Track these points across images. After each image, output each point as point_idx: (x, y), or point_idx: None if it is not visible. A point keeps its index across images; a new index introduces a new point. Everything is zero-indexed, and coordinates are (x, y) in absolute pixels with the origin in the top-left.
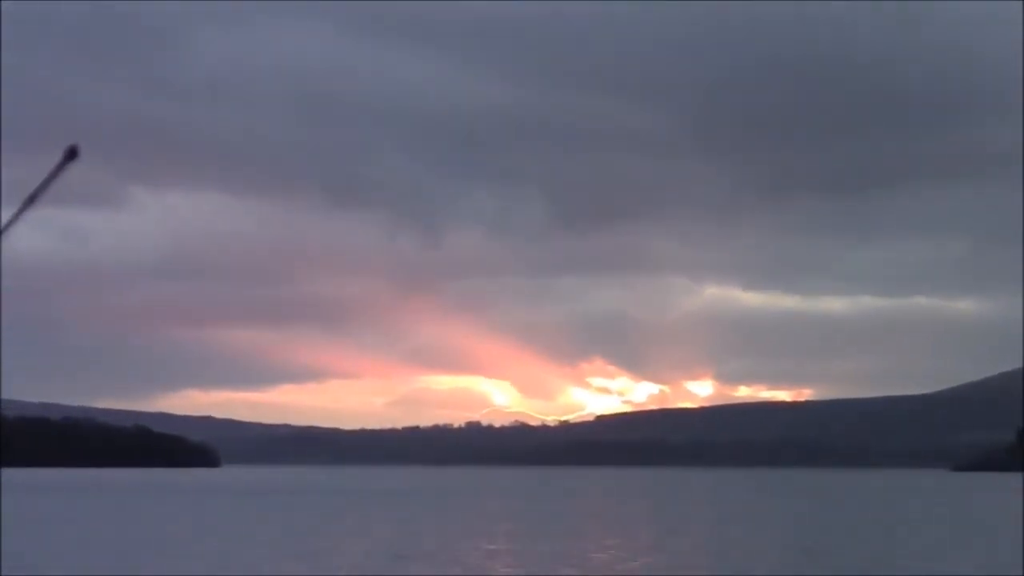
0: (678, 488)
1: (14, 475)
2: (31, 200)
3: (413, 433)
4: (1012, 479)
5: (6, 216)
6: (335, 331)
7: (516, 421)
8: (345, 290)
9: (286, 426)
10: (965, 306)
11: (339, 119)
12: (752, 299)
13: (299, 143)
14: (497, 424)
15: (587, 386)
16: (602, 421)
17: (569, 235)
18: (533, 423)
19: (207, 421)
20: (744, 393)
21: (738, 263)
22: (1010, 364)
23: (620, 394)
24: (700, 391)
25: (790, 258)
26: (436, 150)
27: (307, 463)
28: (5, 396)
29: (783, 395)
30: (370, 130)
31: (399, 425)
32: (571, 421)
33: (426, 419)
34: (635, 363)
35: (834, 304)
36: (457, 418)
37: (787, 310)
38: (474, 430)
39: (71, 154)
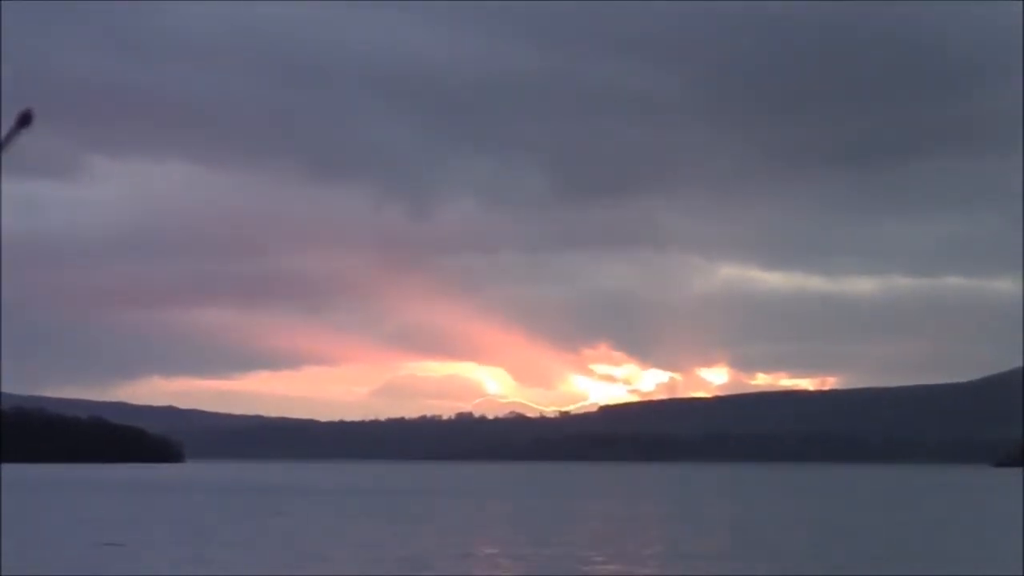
0: (689, 486)
1: None
2: None
3: (398, 425)
4: None
5: None
6: (312, 313)
7: (512, 412)
8: (324, 267)
9: (257, 417)
10: (1004, 286)
11: (319, 82)
12: (771, 279)
13: (275, 108)
14: (491, 415)
15: (590, 374)
16: (606, 412)
17: (571, 207)
18: (530, 414)
19: (170, 412)
20: (763, 381)
21: (756, 239)
22: None
23: (626, 382)
24: (714, 379)
25: (813, 234)
26: (425, 115)
27: (280, 458)
28: None
29: (805, 384)
30: (353, 94)
31: (382, 416)
32: (572, 412)
33: (412, 410)
34: (643, 348)
35: (861, 284)
36: (447, 409)
37: (810, 291)
38: (465, 422)
39: (24, 120)
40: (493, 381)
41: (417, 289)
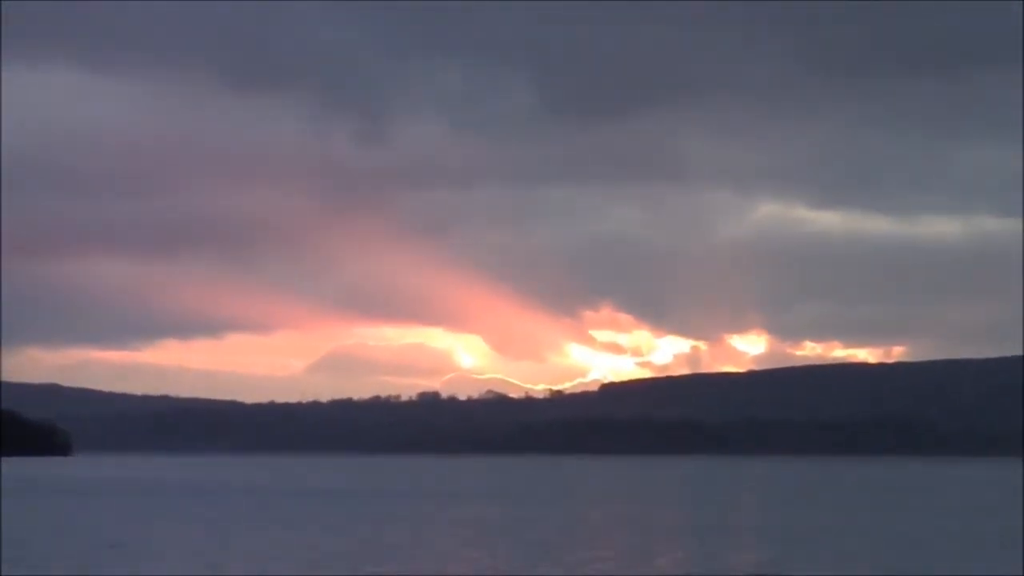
0: (717, 485)
1: None
2: None
3: (344, 409)
4: None
5: None
6: (235, 265)
7: (490, 391)
8: (250, 206)
9: (164, 399)
10: None
11: None
12: (823, 220)
13: (190, 4)
14: (463, 395)
15: (590, 342)
16: (610, 391)
17: (566, 129)
18: (514, 394)
19: (53, 391)
20: (810, 352)
21: (804, 170)
22: None
23: (636, 353)
24: (749, 349)
25: (877, 162)
26: (380, 14)
27: (193, 451)
28: None
29: (865, 355)
30: None
31: (325, 397)
32: (567, 392)
33: (363, 389)
34: (657, 310)
35: (938, 226)
36: (407, 387)
37: (872, 235)
38: (430, 404)
39: None
40: (466, 352)
41: (369, 234)
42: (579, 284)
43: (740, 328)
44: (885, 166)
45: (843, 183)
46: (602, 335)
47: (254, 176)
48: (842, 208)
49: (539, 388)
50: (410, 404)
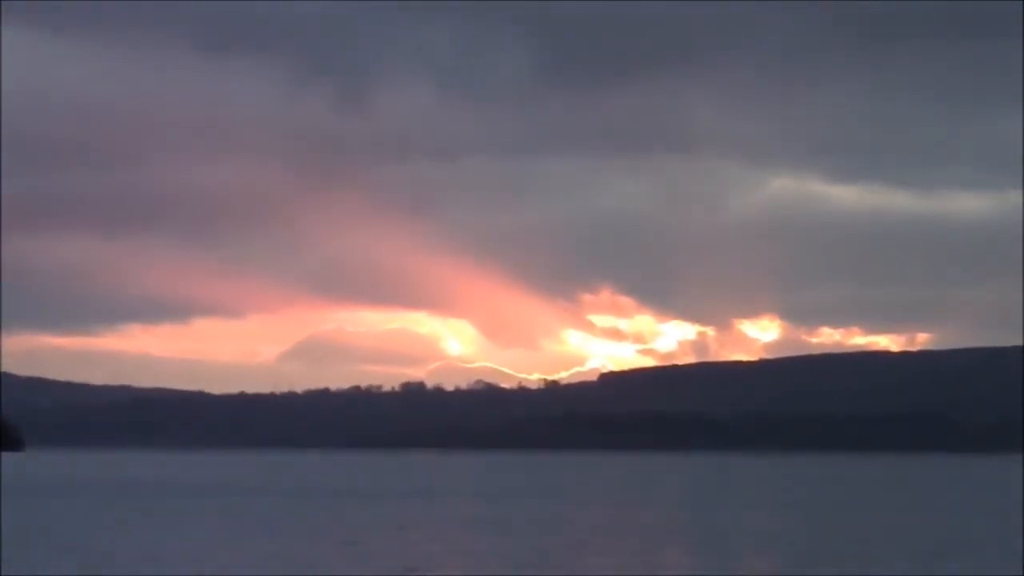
0: (725, 483)
1: None
2: None
3: (321, 400)
4: None
5: None
6: (205, 242)
7: (480, 382)
8: (222, 179)
9: (125, 389)
10: None
11: None
12: (841, 195)
13: None
14: (451, 386)
15: (588, 328)
16: (610, 381)
17: (563, 97)
18: (506, 385)
19: (4, 381)
20: (827, 339)
21: (819, 141)
22: None
23: (638, 340)
24: (761, 336)
25: (900, 133)
26: None
27: (158, 445)
28: None
29: (886, 342)
30: None
31: (300, 388)
32: (563, 382)
33: (342, 378)
34: (662, 293)
35: (966, 202)
36: (390, 377)
37: (894, 212)
38: (415, 395)
39: None
40: (454, 338)
41: (349, 210)
42: (576, 265)
43: (751, 313)
44: (906, 137)
45: (862, 155)
46: (601, 320)
47: (224, 147)
48: (861, 182)
49: (533, 378)
50: (393, 395)
